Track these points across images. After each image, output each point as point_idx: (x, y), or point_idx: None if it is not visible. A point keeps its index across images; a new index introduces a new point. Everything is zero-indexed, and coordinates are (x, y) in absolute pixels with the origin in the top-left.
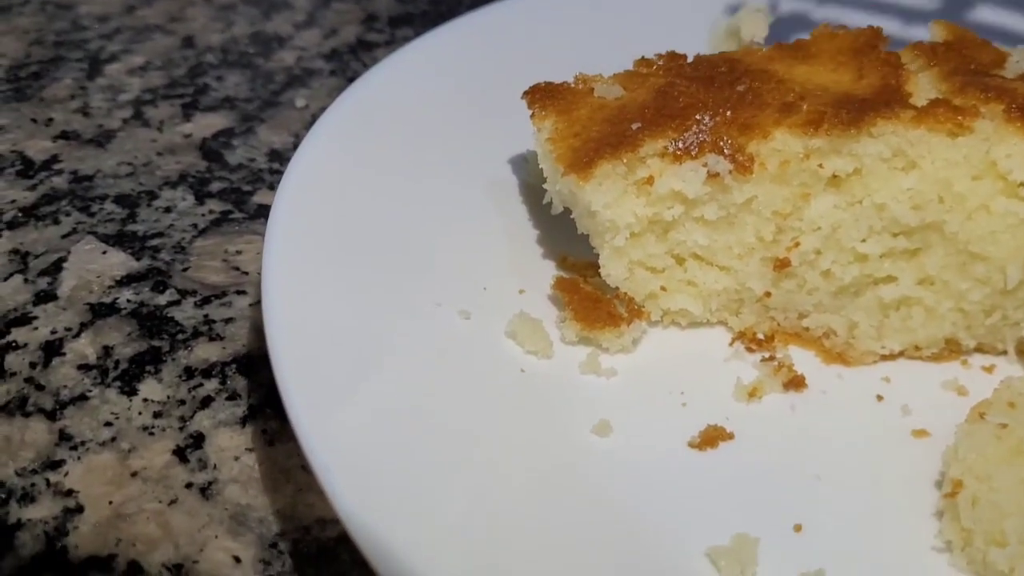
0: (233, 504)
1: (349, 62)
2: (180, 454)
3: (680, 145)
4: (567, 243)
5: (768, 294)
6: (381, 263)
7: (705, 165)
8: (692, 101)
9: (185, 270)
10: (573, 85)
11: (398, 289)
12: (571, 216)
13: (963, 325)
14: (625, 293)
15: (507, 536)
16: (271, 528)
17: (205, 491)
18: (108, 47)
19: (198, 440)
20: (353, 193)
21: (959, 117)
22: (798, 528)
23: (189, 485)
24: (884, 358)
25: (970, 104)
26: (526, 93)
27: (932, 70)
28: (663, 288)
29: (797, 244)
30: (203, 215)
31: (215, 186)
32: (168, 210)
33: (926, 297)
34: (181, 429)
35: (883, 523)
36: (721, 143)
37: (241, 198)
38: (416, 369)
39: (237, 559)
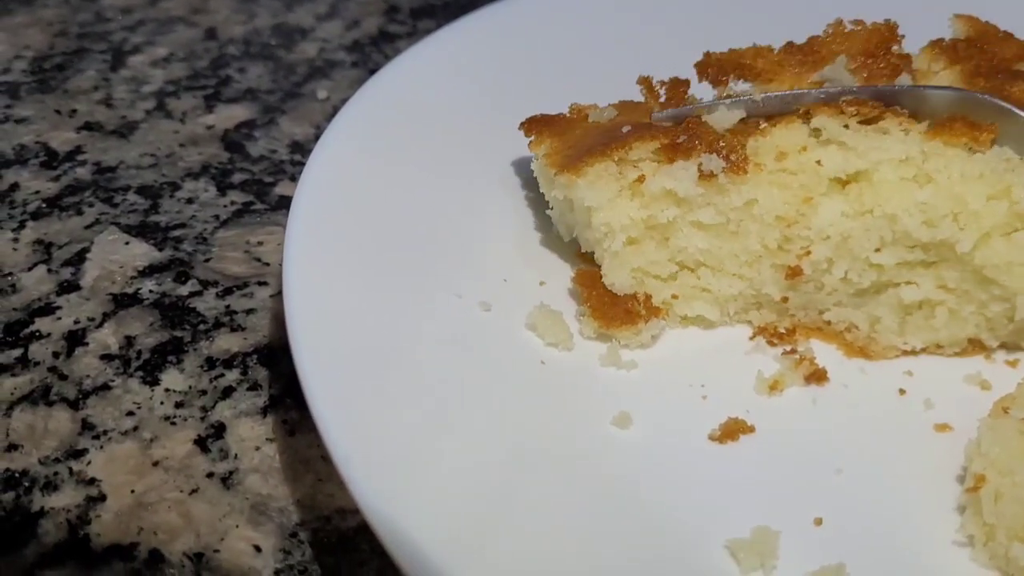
0: (254, 494)
1: (371, 54)
2: (201, 444)
3: (671, 146)
4: None
5: (785, 299)
6: (401, 255)
7: (698, 164)
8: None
9: (207, 261)
10: (568, 115)
11: (418, 280)
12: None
13: (986, 327)
14: (642, 292)
15: (527, 526)
16: (291, 518)
17: (226, 481)
18: (131, 39)
19: (219, 430)
20: (373, 185)
21: (976, 132)
22: (818, 521)
23: (210, 475)
24: (906, 353)
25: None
26: (523, 124)
27: (953, 69)
28: (675, 296)
29: (808, 253)
30: (225, 206)
31: (237, 177)
32: (190, 201)
33: (948, 300)
34: (202, 419)
35: (904, 517)
36: (716, 143)
37: (263, 189)
38: (436, 360)
39: (258, 548)
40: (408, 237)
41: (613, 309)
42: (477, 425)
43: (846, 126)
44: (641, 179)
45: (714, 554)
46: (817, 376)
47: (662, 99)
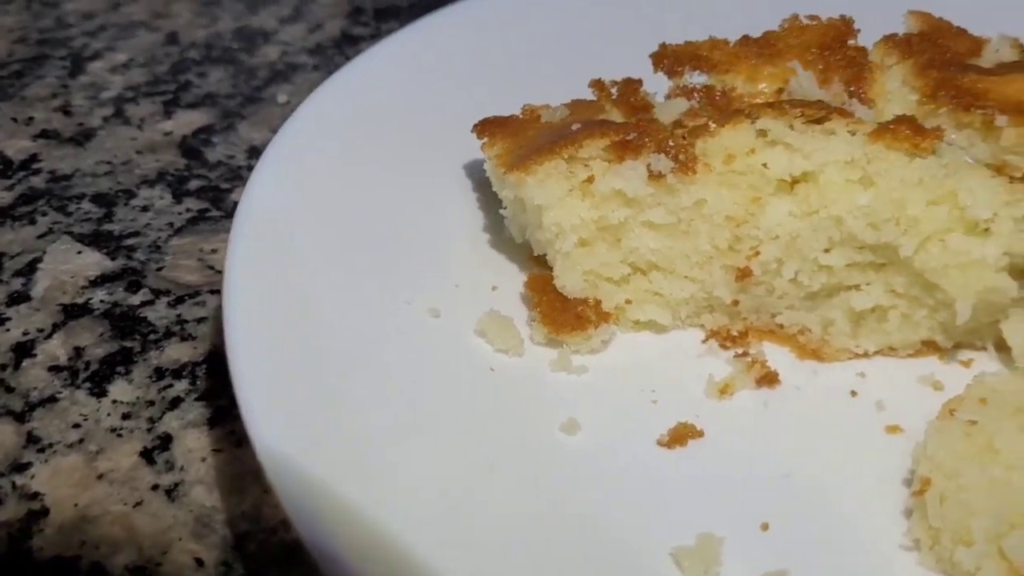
0: (198, 506)
1: (333, 56)
2: (147, 455)
3: (620, 144)
4: None
5: (736, 302)
6: (349, 261)
7: (647, 164)
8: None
9: (160, 269)
10: (521, 116)
11: (366, 286)
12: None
13: (939, 330)
14: (592, 297)
15: (471, 534)
16: (236, 529)
17: (171, 493)
18: (92, 45)
19: (166, 441)
20: (323, 190)
21: (919, 137)
22: (765, 527)
23: (155, 487)
24: (858, 356)
25: (938, 118)
26: (476, 126)
27: (906, 63)
28: (628, 301)
29: (757, 253)
30: (180, 214)
31: (193, 184)
32: (145, 209)
33: (899, 304)
34: (149, 430)
35: (851, 521)
36: (665, 143)
37: (219, 196)
38: (380, 368)
39: (200, 561)
40: (357, 243)
41: (563, 315)
42: (420, 435)
43: (791, 127)
44: (591, 179)
45: (658, 561)
46: (769, 379)
47: (614, 98)
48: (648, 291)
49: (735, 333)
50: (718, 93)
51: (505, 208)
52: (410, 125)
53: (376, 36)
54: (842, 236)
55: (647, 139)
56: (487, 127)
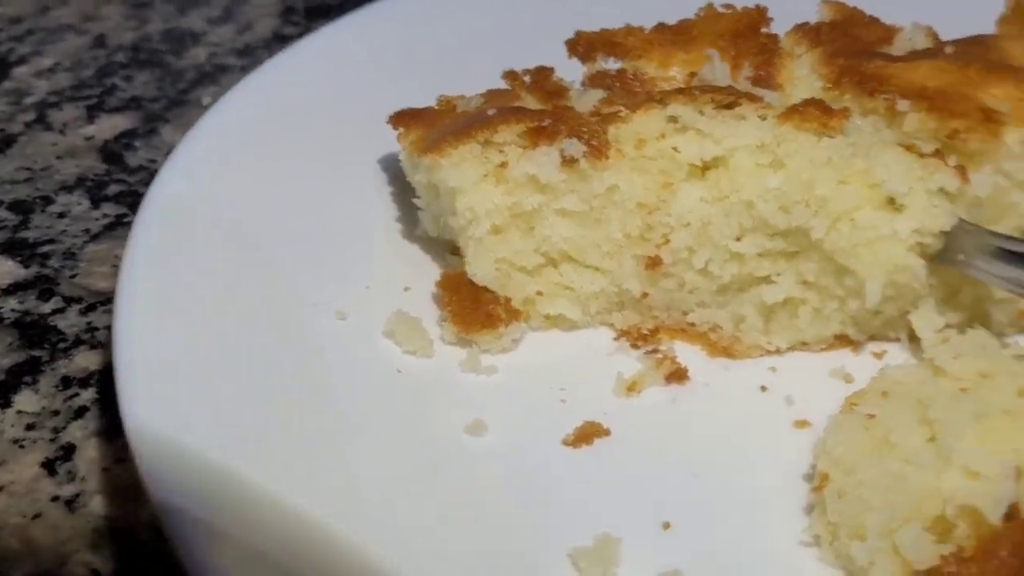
0: (97, 517)
1: (262, 57)
2: (49, 466)
3: (535, 130)
4: None
5: (646, 294)
6: (254, 261)
7: (560, 149)
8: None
9: (73, 277)
10: (437, 107)
11: (271, 290)
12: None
13: (851, 324)
14: (502, 296)
15: (371, 534)
16: (135, 539)
17: (71, 504)
18: (18, 49)
19: (69, 451)
20: (233, 187)
21: (827, 117)
22: (667, 526)
23: (55, 498)
24: (770, 352)
25: (843, 105)
26: (392, 116)
27: (815, 51)
28: (539, 293)
29: (667, 241)
30: (97, 219)
31: (112, 189)
32: (62, 215)
33: (810, 298)
34: (52, 440)
35: (754, 518)
36: (579, 129)
37: (138, 201)
38: (278, 368)
39: (96, 573)
40: (265, 243)
41: (474, 314)
42: (319, 436)
43: (701, 112)
44: (505, 164)
45: (557, 563)
46: (678, 375)
47: (527, 85)
48: (559, 284)
49: (645, 331)
50: (630, 76)
51: (419, 197)
52: (325, 123)
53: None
54: (753, 222)
55: (561, 125)
56: (402, 118)
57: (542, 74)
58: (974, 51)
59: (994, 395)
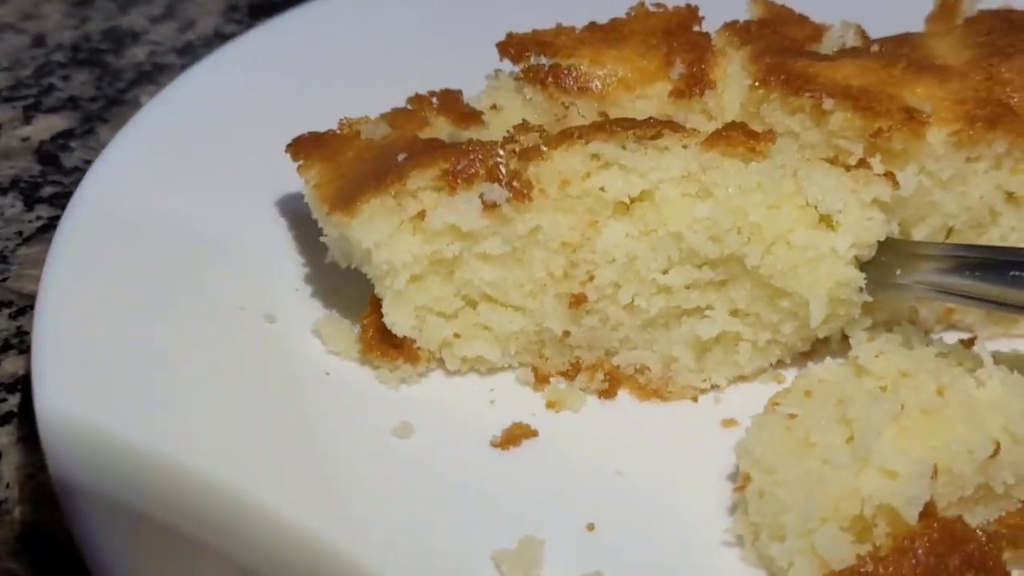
0: (21, 524)
1: (203, 55)
2: None
3: (451, 174)
4: None
5: (568, 333)
6: (180, 264)
7: (480, 195)
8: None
9: (4, 280)
10: (339, 131)
11: (196, 294)
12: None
13: (787, 354)
14: (416, 342)
15: (291, 538)
16: (57, 546)
17: None
18: None
19: None
20: (161, 190)
21: (752, 141)
22: (591, 527)
23: None
24: (705, 391)
25: (770, 111)
26: (289, 145)
27: (744, 49)
28: (456, 335)
29: (592, 278)
30: (30, 222)
31: (47, 191)
32: None
33: (744, 331)
34: None
35: (677, 519)
36: (497, 170)
37: None
38: (204, 372)
39: None
40: (192, 246)
41: (387, 341)
42: (243, 439)
43: (624, 147)
44: (422, 214)
45: (480, 565)
46: (607, 393)
47: (435, 107)
48: (476, 324)
49: (566, 369)
50: (564, 71)
51: (326, 236)
52: (257, 122)
53: None
54: (682, 253)
55: (479, 166)
56: (302, 147)
57: (450, 97)
58: (900, 50)
59: (913, 394)
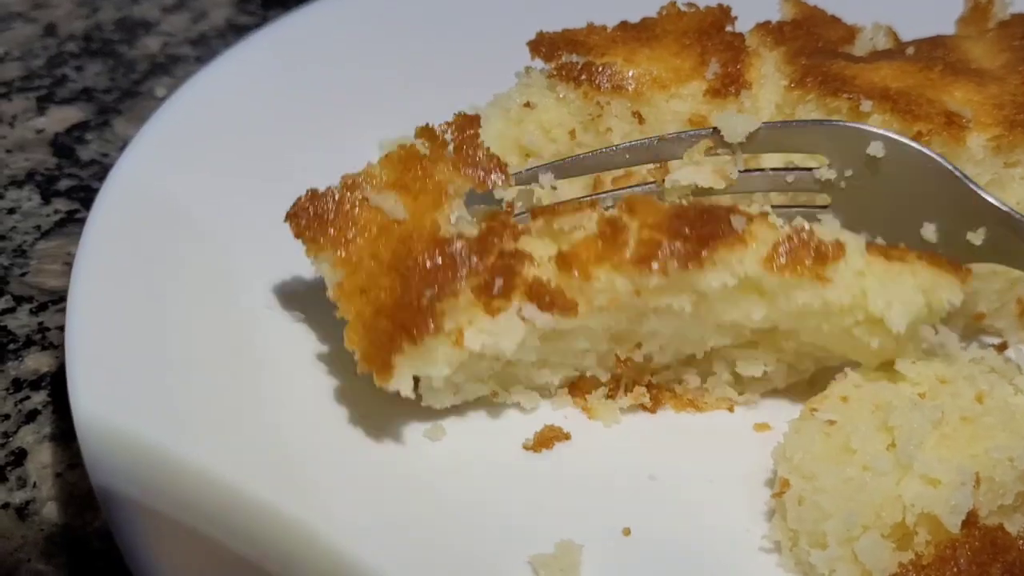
0: (50, 524)
1: (217, 48)
2: None
3: (485, 293)
4: None
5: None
6: (213, 265)
7: (519, 311)
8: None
9: (24, 275)
10: (340, 192)
11: (229, 291)
12: None
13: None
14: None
15: (329, 538)
16: (88, 548)
17: (22, 511)
18: None
19: (20, 457)
20: (190, 189)
21: (819, 267)
22: (627, 532)
23: (6, 505)
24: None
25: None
26: (289, 217)
27: (779, 50)
28: (494, 394)
29: (639, 345)
30: (48, 216)
31: (64, 184)
32: (12, 211)
33: (784, 361)
34: (3, 445)
35: (713, 524)
36: (537, 287)
37: (90, 196)
38: (236, 374)
39: None
40: (221, 245)
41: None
42: (278, 441)
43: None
44: (459, 341)
45: (517, 569)
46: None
47: (450, 146)
48: (517, 383)
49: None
50: (597, 70)
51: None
52: (285, 116)
53: (262, 26)
54: (733, 330)
55: (516, 281)
56: (303, 223)
57: (465, 129)
58: (935, 52)
59: (952, 400)
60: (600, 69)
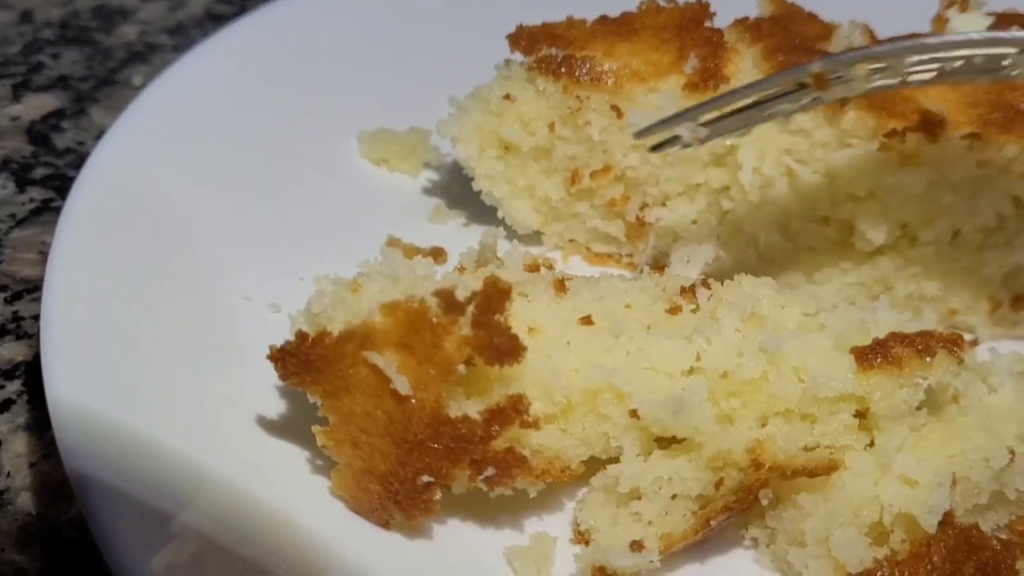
0: (23, 514)
1: (195, 36)
2: None
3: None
4: (396, 224)
5: None
6: (188, 255)
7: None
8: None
9: None
10: (336, 343)
11: (204, 282)
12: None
13: None
14: None
15: (307, 524)
16: (62, 537)
17: None
18: None
19: None
20: (167, 179)
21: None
22: None
23: None
24: None
25: None
26: (273, 360)
27: (756, 46)
28: None
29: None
30: (23, 204)
31: (39, 172)
32: None
33: None
34: None
35: None
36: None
37: (65, 185)
38: (210, 365)
39: (22, 572)
40: (198, 235)
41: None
42: (248, 432)
43: None
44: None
45: (492, 561)
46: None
47: (467, 315)
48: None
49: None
50: (576, 63)
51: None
52: (263, 109)
53: (241, 15)
54: None
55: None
56: (287, 364)
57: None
58: None
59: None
60: (579, 63)
